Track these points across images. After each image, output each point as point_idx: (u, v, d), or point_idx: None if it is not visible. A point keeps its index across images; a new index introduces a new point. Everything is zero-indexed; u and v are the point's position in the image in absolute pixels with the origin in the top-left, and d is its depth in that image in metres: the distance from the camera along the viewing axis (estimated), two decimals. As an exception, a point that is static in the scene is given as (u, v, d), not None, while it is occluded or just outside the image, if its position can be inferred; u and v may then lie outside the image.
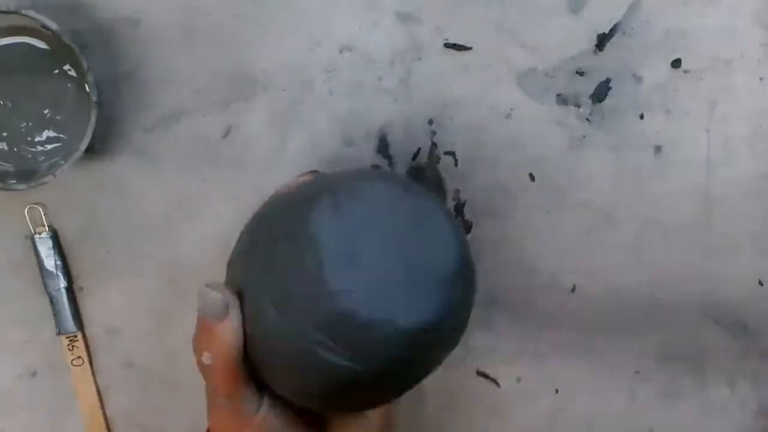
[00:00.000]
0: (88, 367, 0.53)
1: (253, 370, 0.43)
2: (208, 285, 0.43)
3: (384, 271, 0.40)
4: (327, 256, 0.40)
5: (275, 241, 0.42)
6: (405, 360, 0.41)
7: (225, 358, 0.43)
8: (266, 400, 0.44)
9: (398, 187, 0.42)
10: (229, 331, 0.42)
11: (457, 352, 0.44)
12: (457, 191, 0.54)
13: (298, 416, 0.45)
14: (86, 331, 0.54)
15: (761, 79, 0.54)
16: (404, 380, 0.43)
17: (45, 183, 0.48)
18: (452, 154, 0.54)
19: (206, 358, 0.43)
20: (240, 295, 0.43)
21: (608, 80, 0.53)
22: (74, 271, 0.53)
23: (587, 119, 0.54)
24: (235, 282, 0.43)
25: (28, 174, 0.50)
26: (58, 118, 0.51)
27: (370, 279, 0.40)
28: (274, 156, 0.53)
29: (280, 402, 0.44)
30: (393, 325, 0.39)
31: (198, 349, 0.44)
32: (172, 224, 0.53)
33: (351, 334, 0.39)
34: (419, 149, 0.54)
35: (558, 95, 0.54)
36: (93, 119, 0.48)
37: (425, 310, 0.40)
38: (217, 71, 0.53)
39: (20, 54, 0.50)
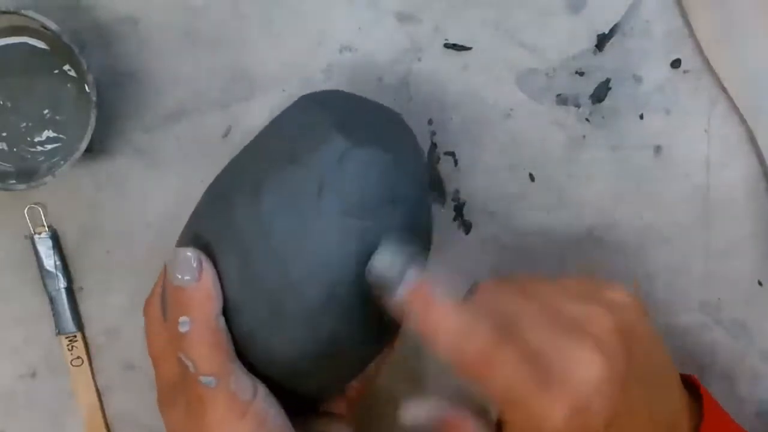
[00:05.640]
0: (88, 367, 0.53)
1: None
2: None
3: None
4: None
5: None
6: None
7: (208, 321, 0.38)
8: (261, 384, 0.40)
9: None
10: (208, 287, 0.39)
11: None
12: (457, 191, 0.54)
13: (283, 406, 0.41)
14: (86, 331, 0.54)
15: (761, 79, 0.54)
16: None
17: (45, 183, 0.48)
18: (452, 154, 0.54)
19: (183, 323, 0.38)
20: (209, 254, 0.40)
21: (608, 80, 0.53)
22: (74, 271, 0.53)
23: (587, 119, 0.54)
24: (200, 239, 0.41)
25: (28, 174, 0.50)
26: (57, 118, 0.51)
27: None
28: (274, 156, 0.53)
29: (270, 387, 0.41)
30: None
31: (171, 316, 0.39)
32: (172, 224, 0.53)
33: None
34: (419, 149, 0.54)
35: (558, 95, 0.54)
36: (93, 119, 0.48)
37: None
38: (217, 71, 0.53)
39: (20, 54, 0.50)
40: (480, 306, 0.39)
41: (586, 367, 0.36)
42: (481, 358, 0.37)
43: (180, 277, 0.39)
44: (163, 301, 0.42)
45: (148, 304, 0.44)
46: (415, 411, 0.39)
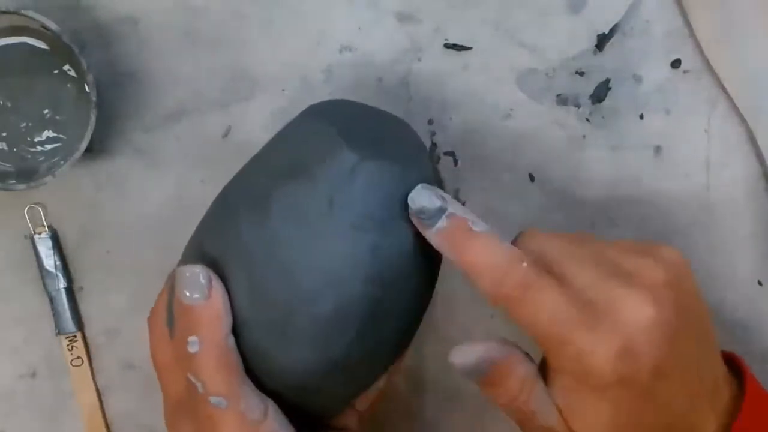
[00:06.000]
0: (88, 367, 0.53)
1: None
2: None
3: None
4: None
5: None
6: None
7: (218, 341, 0.38)
8: (270, 402, 0.39)
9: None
10: (218, 306, 0.38)
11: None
12: (457, 191, 0.54)
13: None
14: (86, 331, 0.54)
15: (761, 79, 0.54)
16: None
17: (45, 183, 0.48)
18: (452, 154, 0.54)
19: (193, 343, 0.37)
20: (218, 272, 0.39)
21: (608, 80, 0.53)
22: (74, 271, 0.53)
23: (587, 119, 0.54)
24: (207, 257, 0.40)
25: (27, 174, 0.50)
26: (57, 118, 0.51)
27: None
28: (274, 156, 0.53)
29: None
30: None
31: (179, 334, 0.38)
32: (172, 224, 0.53)
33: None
34: (419, 149, 0.54)
35: (558, 95, 0.54)
36: (93, 119, 0.48)
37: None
38: (217, 71, 0.53)
39: (20, 54, 0.50)
40: (524, 245, 0.39)
41: (636, 310, 0.35)
42: (522, 291, 0.36)
43: (189, 294, 0.38)
44: (170, 316, 0.42)
45: (152, 315, 0.44)
46: (465, 353, 0.39)
